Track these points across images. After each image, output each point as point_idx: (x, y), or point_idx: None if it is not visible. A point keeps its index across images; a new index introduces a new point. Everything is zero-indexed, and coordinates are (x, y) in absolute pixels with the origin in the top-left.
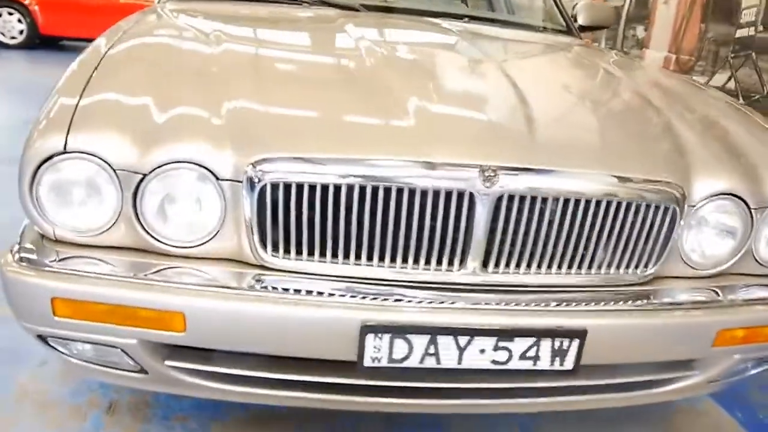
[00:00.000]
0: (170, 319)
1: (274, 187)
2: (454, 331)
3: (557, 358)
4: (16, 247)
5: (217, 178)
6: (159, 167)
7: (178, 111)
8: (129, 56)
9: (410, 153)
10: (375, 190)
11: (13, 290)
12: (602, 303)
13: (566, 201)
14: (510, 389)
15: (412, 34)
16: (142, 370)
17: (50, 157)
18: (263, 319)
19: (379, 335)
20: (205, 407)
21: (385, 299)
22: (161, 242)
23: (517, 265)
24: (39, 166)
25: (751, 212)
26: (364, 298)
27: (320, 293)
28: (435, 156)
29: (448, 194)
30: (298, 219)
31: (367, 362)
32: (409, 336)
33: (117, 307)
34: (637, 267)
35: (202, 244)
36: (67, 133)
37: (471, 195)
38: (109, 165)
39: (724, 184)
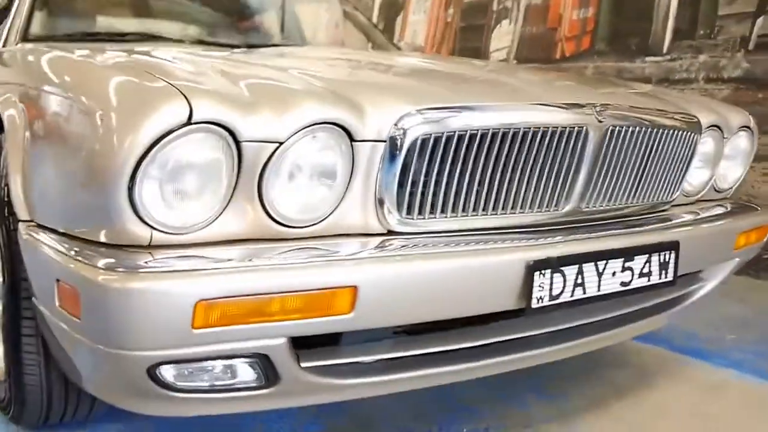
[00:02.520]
0: (334, 300)
1: (424, 142)
2: (595, 257)
3: (663, 271)
4: (92, 260)
5: (352, 140)
6: (299, 131)
7: (274, 79)
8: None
9: (534, 98)
10: (515, 135)
11: (133, 309)
12: (679, 218)
13: (651, 131)
14: (630, 314)
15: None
16: (268, 384)
17: (164, 135)
18: (435, 277)
19: (543, 272)
20: None
21: (535, 239)
22: (280, 223)
23: (604, 197)
24: (148, 150)
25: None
26: (521, 239)
27: (484, 240)
28: (557, 100)
29: (570, 132)
30: (438, 176)
31: (534, 303)
32: (563, 268)
33: (272, 299)
34: (673, 191)
35: (323, 219)
36: (188, 101)
37: (586, 130)
38: (235, 137)
39: (713, 117)
